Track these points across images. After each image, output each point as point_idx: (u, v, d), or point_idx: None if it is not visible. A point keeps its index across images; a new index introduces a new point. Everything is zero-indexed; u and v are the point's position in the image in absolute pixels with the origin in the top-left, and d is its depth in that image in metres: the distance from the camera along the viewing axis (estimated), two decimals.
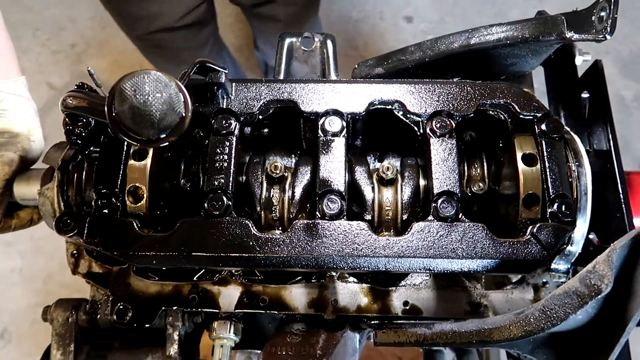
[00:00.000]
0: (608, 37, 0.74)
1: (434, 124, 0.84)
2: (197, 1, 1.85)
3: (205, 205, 0.80)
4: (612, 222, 0.92)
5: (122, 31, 2.01)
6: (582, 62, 1.02)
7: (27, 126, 0.98)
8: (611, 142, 0.93)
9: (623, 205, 0.88)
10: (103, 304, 0.94)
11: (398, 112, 0.87)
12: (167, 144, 0.70)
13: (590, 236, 0.92)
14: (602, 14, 0.75)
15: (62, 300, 0.96)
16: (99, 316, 0.93)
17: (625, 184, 0.89)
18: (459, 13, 3.25)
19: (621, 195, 0.88)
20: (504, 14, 3.20)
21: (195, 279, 0.91)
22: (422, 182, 0.86)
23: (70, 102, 0.75)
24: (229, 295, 0.91)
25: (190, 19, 1.88)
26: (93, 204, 0.81)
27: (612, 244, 0.65)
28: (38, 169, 0.96)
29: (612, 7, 0.73)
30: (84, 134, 0.84)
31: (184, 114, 0.70)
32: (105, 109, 0.65)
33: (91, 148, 0.86)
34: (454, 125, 0.83)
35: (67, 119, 0.83)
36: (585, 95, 0.99)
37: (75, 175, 0.87)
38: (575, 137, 0.87)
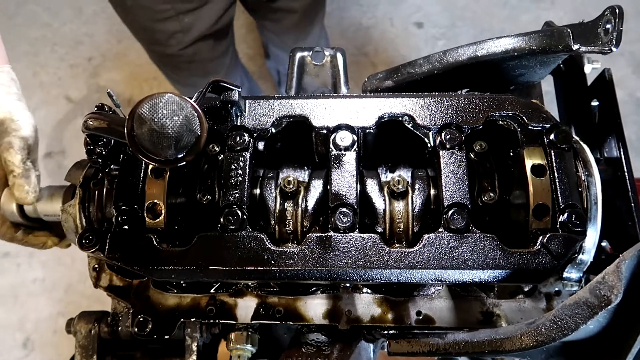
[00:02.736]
0: (614, 49, 0.75)
1: (443, 136, 0.85)
2: (226, 5, 1.88)
3: (222, 220, 0.82)
4: (624, 230, 0.92)
5: (151, 54, 2.02)
6: (591, 70, 1.02)
7: (9, 110, 0.98)
8: (621, 149, 0.93)
9: (634, 213, 0.89)
10: (124, 316, 0.97)
11: (408, 125, 0.89)
12: (184, 163, 0.72)
13: (603, 244, 0.93)
14: (608, 26, 0.76)
15: (85, 312, 0.99)
16: (120, 328, 0.96)
17: (636, 192, 0.90)
18: (469, 17, 3.25)
19: (632, 203, 0.89)
20: (515, 18, 3.19)
21: (212, 291, 0.94)
22: (432, 194, 0.87)
23: (91, 123, 0.78)
24: (246, 307, 0.93)
25: (219, 25, 1.91)
26: (113, 220, 0.84)
27: (621, 255, 0.65)
28: (61, 186, 1.00)
29: (617, 19, 0.74)
30: (104, 153, 0.87)
31: (199, 134, 0.72)
32: (125, 132, 0.68)
33: (111, 166, 0.89)
34: (463, 137, 0.85)
35: (88, 139, 0.86)
36: (594, 103, 0.99)
37: (96, 192, 0.90)
38: (585, 146, 0.88)
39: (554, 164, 0.82)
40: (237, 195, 0.83)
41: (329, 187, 0.84)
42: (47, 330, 2.64)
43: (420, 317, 0.90)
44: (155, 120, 0.66)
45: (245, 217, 0.82)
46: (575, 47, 0.81)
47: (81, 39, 3.33)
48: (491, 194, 0.89)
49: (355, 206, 0.82)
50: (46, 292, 2.72)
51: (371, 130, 0.88)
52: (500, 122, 0.88)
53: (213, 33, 1.91)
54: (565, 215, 0.79)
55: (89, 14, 3.38)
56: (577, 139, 0.88)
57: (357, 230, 0.81)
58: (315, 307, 0.92)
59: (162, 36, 1.84)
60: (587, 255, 0.82)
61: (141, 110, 0.67)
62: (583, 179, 0.83)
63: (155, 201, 0.84)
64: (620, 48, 0.77)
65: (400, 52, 3.19)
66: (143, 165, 0.86)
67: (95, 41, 3.31)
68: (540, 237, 0.78)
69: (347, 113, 0.88)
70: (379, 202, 0.87)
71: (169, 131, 0.67)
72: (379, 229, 0.86)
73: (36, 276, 2.76)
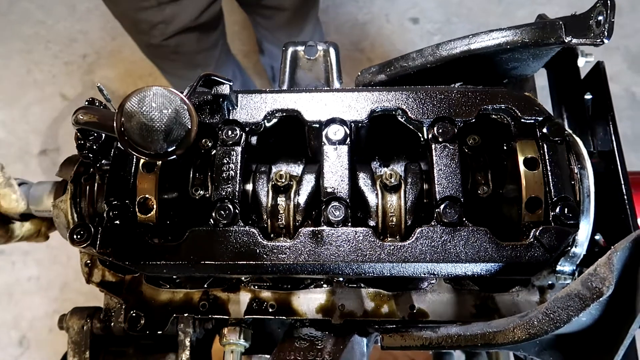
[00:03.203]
0: (605, 41, 0.74)
1: (435, 130, 0.85)
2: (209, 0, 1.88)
3: (213, 214, 0.82)
4: (617, 223, 0.92)
5: (137, 43, 2.03)
6: (584, 63, 1.02)
7: None
8: (614, 142, 0.93)
9: (627, 206, 0.89)
10: (117, 312, 0.96)
11: (401, 118, 0.88)
12: (174, 157, 0.72)
13: (597, 237, 0.92)
14: (600, 18, 0.75)
15: (77, 308, 0.99)
16: (113, 324, 0.96)
17: (629, 185, 0.89)
18: (464, 13, 3.24)
19: (625, 196, 0.88)
20: (511, 14, 3.19)
21: (205, 286, 0.93)
22: (425, 188, 0.87)
23: (81, 117, 0.77)
24: (239, 302, 0.93)
25: (204, 19, 1.91)
26: (105, 215, 0.83)
27: (612, 247, 0.65)
28: (53, 182, 0.99)
29: (609, 11, 0.73)
30: (94, 148, 0.86)
31: (189, 127, 0.72)
32: (115, 126, 0.67)
33: (102, 161, 0.89)
34: (455, 131, 0.85)
35: (78, 134, 0.85)
36: (588, 96, 0.99)
37: (88, 187, 0.90)
38: (578, 139, 0.87)
39: (547, 157, 0.81)
40: (229, 189, 0.83)
41: (321, 181, 0.83)
42: (43, 328, 2.63)
43: (414, 311, 0.90)
44: (144, 113, 0.66)
45: (237, 211, 0.82)
46: (567, 39, 0.80)
47: (75, 36, 3.31)
48: (484, 188, 0.89)
49: (348, 200, 0.81)
50: (41, 290, 2.71)
51: (364, 124, 0.88)
52: (493, 115, 0.88)
53: (198, 26, 1.91)
54: (558, 208, 0.79)
55: (82, 11, 3.36)
56: (570, 131, 0.88)
57: (349, 224, 0.81)
58: (308, 302, 0.92)
59: (144, 26, 1.84)
60: (580, 248, 0.82)
61: (129, 104, 0.66)
62: (576, 171, 0.83)
63: (147, 196, 0.83)
64: (615, 42, 0.77)
65: (396, 48, 3.18)
66: (134, 160, 0.85)
67: (90, 38, 3.29)
68: (533, 230, 0.78)
69: (339, 107, 0.87)
70: (372, 196, 0.87)
71: (158, 124, 0.67)
72: (372, 223, 0.86)
73: (31, 274, 2.75)
